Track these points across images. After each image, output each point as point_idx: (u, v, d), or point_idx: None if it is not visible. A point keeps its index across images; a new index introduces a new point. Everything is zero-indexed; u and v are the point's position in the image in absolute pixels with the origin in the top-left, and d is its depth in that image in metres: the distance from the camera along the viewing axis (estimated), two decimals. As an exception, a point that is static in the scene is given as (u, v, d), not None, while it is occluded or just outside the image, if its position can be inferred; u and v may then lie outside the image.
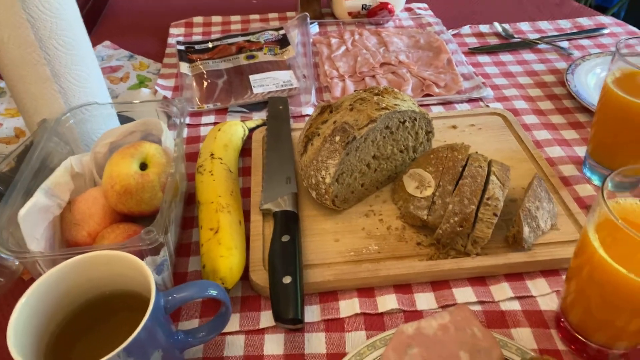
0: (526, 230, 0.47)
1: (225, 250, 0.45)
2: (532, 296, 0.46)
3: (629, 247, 0.34)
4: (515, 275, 0.48)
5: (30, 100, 0.53)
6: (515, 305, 0.45)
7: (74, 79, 0.54)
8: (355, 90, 0.56)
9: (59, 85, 0.53)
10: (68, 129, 0.54)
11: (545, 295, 0.46)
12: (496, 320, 0.44)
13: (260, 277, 0.46)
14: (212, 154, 0.56)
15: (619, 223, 0.32)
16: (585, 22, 0.92)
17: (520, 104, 0.71)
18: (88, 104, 0.54)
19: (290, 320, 0.41)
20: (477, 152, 0.53)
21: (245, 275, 0.47)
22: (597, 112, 0.55)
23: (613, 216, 0.33)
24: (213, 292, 0.38)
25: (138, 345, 0.33)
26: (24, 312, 0.34)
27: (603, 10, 2.28)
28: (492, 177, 0.49)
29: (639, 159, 0.54)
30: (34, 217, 0.43)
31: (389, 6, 0.89)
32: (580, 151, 0.62)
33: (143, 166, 0.47)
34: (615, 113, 0.52)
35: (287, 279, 0.43)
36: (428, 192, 0.50)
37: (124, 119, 0.60)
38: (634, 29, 0.90)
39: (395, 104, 0.52)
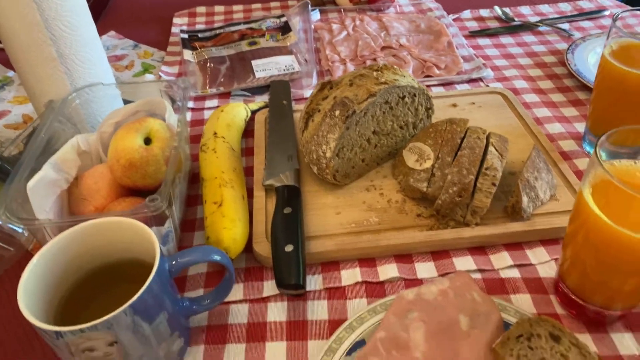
0: (525, 200, 0.48)
1: (229, 222, 0.46)
2: (531, 264, 0.47)
3: (623, 205, 0.35)
4: (514, 244, 0.48)
5: (37, 82, 0.55)
6: (515, 273, 0.46)
7: (80, 61, 0.55)
8: (357, 68, 0.57)
9: (64, 66, 0.54)
10: (74, 110, 0.55)
11: (545, 263, 0.47)
12: (496, 287, 0.45)
13: (263, 248, 0.47)
14: (215, 133, 0.57)
15: (614, 180, 0.33)
16: (586, 4, 0.93)
17: (520, 84, 0.72)
18: (93, 85, 0.56)
19: (292, 286, 0.42)
20: (476, 126, 0.53)
21: (248, 248, 0.48)
22: (595, 87, 0.56)
23: (608, 173, 0.33)
24: (216, 257, 0.39)
25: (144, 304, 0.34)
26: (34, 274, 0.35)
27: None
28: (491, 148, 0.49)
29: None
30: (43, 190, 0.44)
31: (390, -8, 0.90)
32: (580, 127, 0.63)
33: (147, 141, 0.48)
34: (613, 84, 0.52)
35: (289, 247, 0.44)
36: (427, 164, 0.51)
37: (128, 103, 0.61)
38: (637, 10, 0.90)
39: (395, 79, 0.53)
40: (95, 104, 0.57)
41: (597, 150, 0.35)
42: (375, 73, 0.53)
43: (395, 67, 0.56)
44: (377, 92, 0.51)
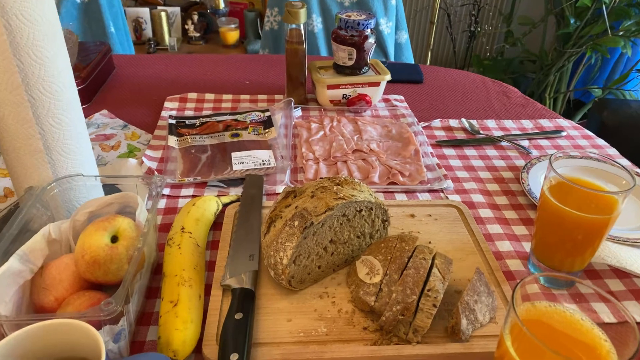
0: (464, 322, 0.51)
1: (181, 324, 0.49)
2: (466, 387, 0.49)
3: (535, 349, 0.38)
4: (453, 365, 0.51)
5: (21, 168, 0.58)
6: (450, 395, 0.48)
7: (64, 152, 0.59)
8: (320, 178, 0.62)
9: (49, 157, 0.58)
10: (52, 197, 0.58)
11: (479, 386, 0.49)
12: (430, 409, 0.47)
13: (212, 351, 0.49)
14: (182, 228, 0.61)
15: (524, 329, 0.36)
16: (546, 123, 1.01)
17: (477, 198, 0.77)
18: (74, 175, 0.59)
19: (231, 397, 0.43)
20: (424, 245, 0.57)
21: (199, 348, 0.50)
22: (537, 213, 0.61)
23: (520, 322, 0.37)
24: (160, 366, 0.41)
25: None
26: (-20, 375, 0.36)
27: (581, 105, 2.43)
28: (434, 270, 0.53)
29: (572, 258, 0.58)
30: (6, 281, 0.46)
31: (367, 98, 0.98)
32: (528, 247, 0.67)
33: (114, 239, 0.51)
34: (551, 218, 0.57)
35: (234, 356, 0.46)
36: (376, 279, 0.54)
37: (108, 188, 0.65)
38: (589, 133, 0.98)
39: (352, 195, 0.57)
40: (74, 192, 0.60)
41: (514, 296, 0.39)
42: (335, 187, 0.58)
43: (355, 181, 0.61)
44: (335, 206, 0.55)
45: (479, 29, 2.69)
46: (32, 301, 0.50)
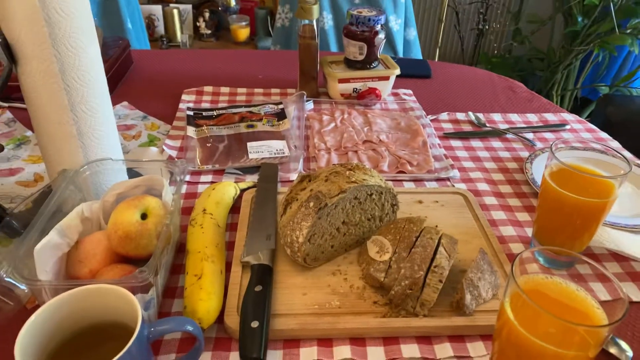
0: (468, 297, 0.54)
1: (205, 295, 0.53)
2: (470, 357, 0.52)
3: (534, 315, 0.41)
4: (457, 337, 0.54)
5: (55, 153, 0.63)
6: (454, 364, 0.51)
7: (95, 137, 0.63)
8: (333, 164, 0.66)
9: (81, 142, 0.62)
10: (84, 180, 0.62)
11: (482, 356, 0.52)
12: (435, 375, 0.50)
13: (233, 321, 0.53)
14: (204, 210, 0.65)
15: (524, 295, 0.40)
16: (551, 117, 1.04)
17: (482, 186, 0.80)
18: (104, 160, 0.64)
19: (254, 359, 0.47)
20: (432, 226, 0.61)
21: (221, 319, 0.54)
22: (538, 199, 0.64)
23: (519, 289, 0.40)
24: (189, 328, 0.45)
25: (122, 365, 0.40)
26: (31, 330, 0.41)
27: (588, 102, 2.45)
28: (440, 249, 0.56)
29: (571, 241, 0.62)
30: (47, 252, 0.50)
31: (377, 91, 1.01)
32: (530, 232, 0.71)
33: (144, 216, 0.55)
34: (551, 202, 0.61)
35: (255, 324, 0.50)
36: (386, 257, 0.58)
37: (132, 173, 0.69)
38: (592, 126, 1.01)
39: (364, 179, 0.61)
40: (103, 176, 0.65)
41: (514, 267, 0.42)
42: (347, 172, 0.62)
43: (366, 167, 0.64)
44: (348, 189, 0.59)
45: (487, 27, 2.72)
46: (68, 273, 0.54)
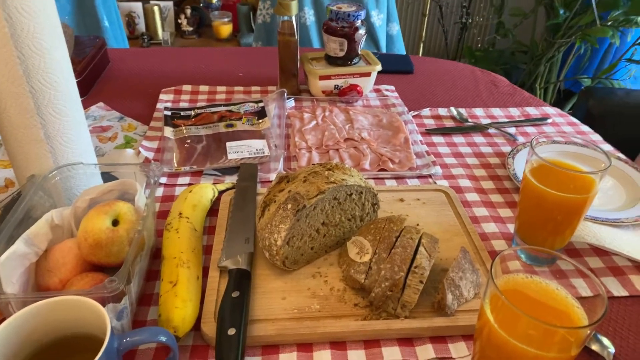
0: (449, 297, 0.54)
1: (180, 302, 0.51)
2: (452, 358, 0.52)
3: (513, 317, 0.40)
4: (439, 338, 0.53)
5: (23, 158, 0.60)
6: (436, 366, 0.51)
7: (64, 141, 0.61)
8: (312, 164, 0.64)
9: (50, 146, 0.60)
10: (53, 185, 0.60)
11: (464, 357, 0.52)
12: (417, 378, 0.49)
13: (210, 328, 0.51)
14: (180, 213, 0.63)
15: (502, 297, 0.39)
16: (533, 111, 1.04)
17: (464, 183, 0.80)
18: (75, 164, 0.62)
19: (230, 368, 0.46)
20: (413, 225, 0.60)
21: (198, 326, 0.52)
22: (520, 196, 0.63)
23: (498, 291, 0.39)
24: (162, 338, 0.44)
25: (89, 381, 0.38)
26: (-7, 346, 0.39)
27: (571, 95, 2.47)
28: (421, 248, 0.56)
29: (553, 237, 0.61)
30: (13, 263, 0.48)
31: (358, 88, 1.00)
32: (512, 228, 0.70)
33: (115, 222, 0.54)
34: (532, 199, 0.60)
35: (231, 331, 0.48)
36: (366, 258, 0.57)
37: (106, 177, 0.67)
38: (574, 120, 1.01)
39: (343, 179, 0.60)
40: (74, 180, 0.62)
41: (492, 269, 0.41)
42: (326, 172, 0.60)
43: (345, 166, 0.63)
44: (326, 190, 0.58)
45: (470, 21, 2.72)
46: (37, 283, 0.52)
